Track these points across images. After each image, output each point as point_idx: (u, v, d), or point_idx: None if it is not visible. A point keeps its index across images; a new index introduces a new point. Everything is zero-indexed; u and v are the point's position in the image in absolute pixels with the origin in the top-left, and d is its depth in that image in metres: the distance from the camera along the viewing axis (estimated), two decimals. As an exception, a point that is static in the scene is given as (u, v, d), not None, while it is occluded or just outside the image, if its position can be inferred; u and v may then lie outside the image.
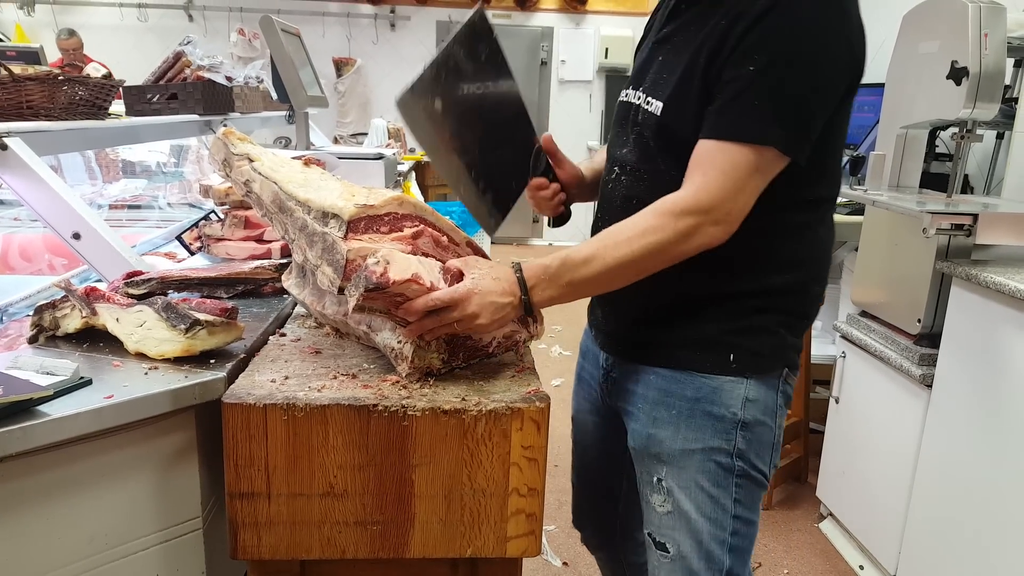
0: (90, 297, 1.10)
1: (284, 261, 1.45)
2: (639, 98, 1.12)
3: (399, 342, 1.02)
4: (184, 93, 2.22)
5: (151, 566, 1.00)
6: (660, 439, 1.13)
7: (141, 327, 1.05)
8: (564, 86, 7.48)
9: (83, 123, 1.67)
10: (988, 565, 1.76)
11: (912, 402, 2.05)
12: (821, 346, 3.01)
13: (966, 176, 2.64)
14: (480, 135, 1.12)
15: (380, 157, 2.45)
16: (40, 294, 1.52)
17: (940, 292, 1.99)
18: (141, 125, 2.01)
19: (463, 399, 0.96)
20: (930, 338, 2.03)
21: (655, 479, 1.15)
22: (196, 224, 1.83)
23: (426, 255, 1.06)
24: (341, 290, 0.98)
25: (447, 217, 1.11)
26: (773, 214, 1.05)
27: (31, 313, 1.13)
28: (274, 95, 2.93)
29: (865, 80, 1.07)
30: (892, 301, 2.19)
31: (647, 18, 1.30)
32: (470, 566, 1.05)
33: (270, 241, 1.61)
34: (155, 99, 2.20)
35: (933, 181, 2.51)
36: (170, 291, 1.25)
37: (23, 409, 0.85)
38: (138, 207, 2.60)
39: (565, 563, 2.31)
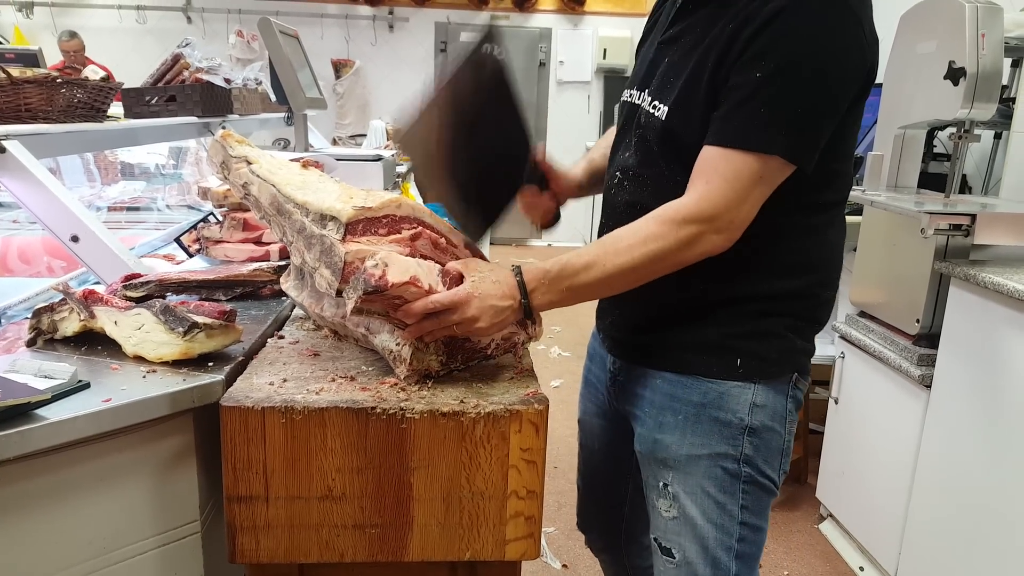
0: (88, 300, 1.10)
1: (282, 263, 1.45)
2: (643, 100, 1.11)
3: (397, 344, 1.02)
4: (183, 95, 2.22)
5: (149, 570, 1.00)
6: (666, 444, 1.13)
7: (139, 330, 1.05)
8: (562, 87, 7.49)
9: (81, 125, 1.67)
10: (988, 565, 1.76)
11: (911, 402, 2.05)
12: (820, 346, 2.99)
13: (964, 176, 2.64)
14: (476, 150, 1.10)
15: (379, 159, 2.45)
16: (38, 297, 1.52)
17: (939, 292, 1.99)
18: (140, 127, 2.01)
19: (461, 401, 0.96)
20: (929, 338, 2.03)
21: (661, 484, 1.15)
22: (195, 226, 1.83)
23: (424, 257, 1.05)
24: (339, 292, 0.98)
25: (445, 219, 1.11)
26: (782, 217, 1.04)
27: (29, 316, 1.13)
28: (273, 97, 2.93)
29: (865, 81, 1.06)
30: (891, 301, 2.19)
31: (645, 19, 1.29)
32: (469, 569, 1.05)
33: (268, 243, 1.61)
34: (154, 101, 2.20)
35: (931, 181, 2.52)
36: (168, 294, 1.25)
37: (21, 413, 0.85)
38: (137, 209, 2.60)
39: (565, 565, 2.31)
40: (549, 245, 7.59)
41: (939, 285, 1.98)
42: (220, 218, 1.68)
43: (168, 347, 1.02)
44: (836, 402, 2.45)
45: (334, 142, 5.67)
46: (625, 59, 7.15)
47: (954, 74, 1.98)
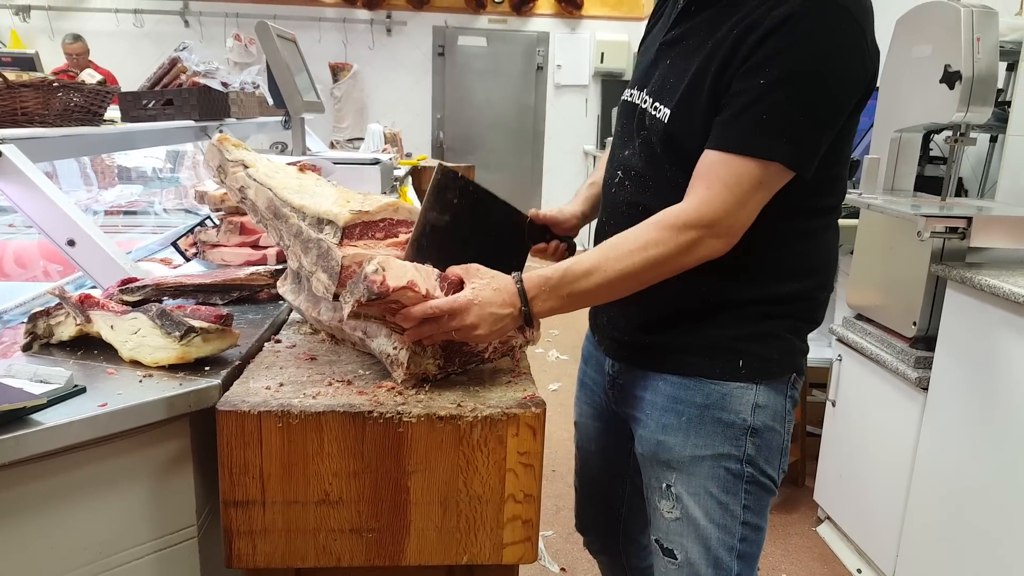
0: (84, 304, 1.10)
1: (279, 267, 1.45)
2: (645, 101, 1.11)
3: (395, 348, 1.01)
4: (180, 99, 2.22)
5: (146, 575, 0.99)
6: (669, 446, 1.13)
7: (136, 334, 1.05)
8: (560, 91, 7.49)
9: (78, 129, 1.67)
10: (986, 567, 1.76)
11: (908, 405, 2.05)
12: (817, 349, 3.01)
13: (960, 179, 2.65)
14: (473, 249, 1.13)
15: (376, 162, 2.45)
16: (35, 301, 1.52)
17: (935, 295, 1.99)
18: (136, 131, 2.01)
19: (459, 405, 0.96)
20: (925, 341, 2.03)
21: (664, 485, 1.15)
22: (192, 230, 1.83)
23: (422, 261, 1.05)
24: (336, 296, 0.98)
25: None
26: (783, 222, 1.05)
27: (25, 320, 1.12)
28: (270, 100, 2.94)
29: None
30: (887, 304, 2.20)
31: (642, 23, 1.30)
32: (466, 573, 1.05)
33: (266, 247, 1.61)
34: (151, 105, 2.20)
35: (927, 184, 2.52)
36: (165, 298, 1.25)
37: (16, 418, 0.84)
38: (134, 213, 2.60)
39: (563, 569, 2.31)
40: (547, 248, 7.60)
41: (935, 288, 1.99)
42: (217, 222, 1.68)
43: (164, 351, 1.02)
44: (833, 404, 2.45)
45: (332, 146, 5.66)
46: (623, 63, 7.16)
47: (950, 78, 1.99)
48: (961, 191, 2.69)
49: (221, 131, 2.37)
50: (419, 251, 1.06)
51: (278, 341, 1.18)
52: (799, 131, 0.97)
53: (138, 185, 2.88)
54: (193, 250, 1.75)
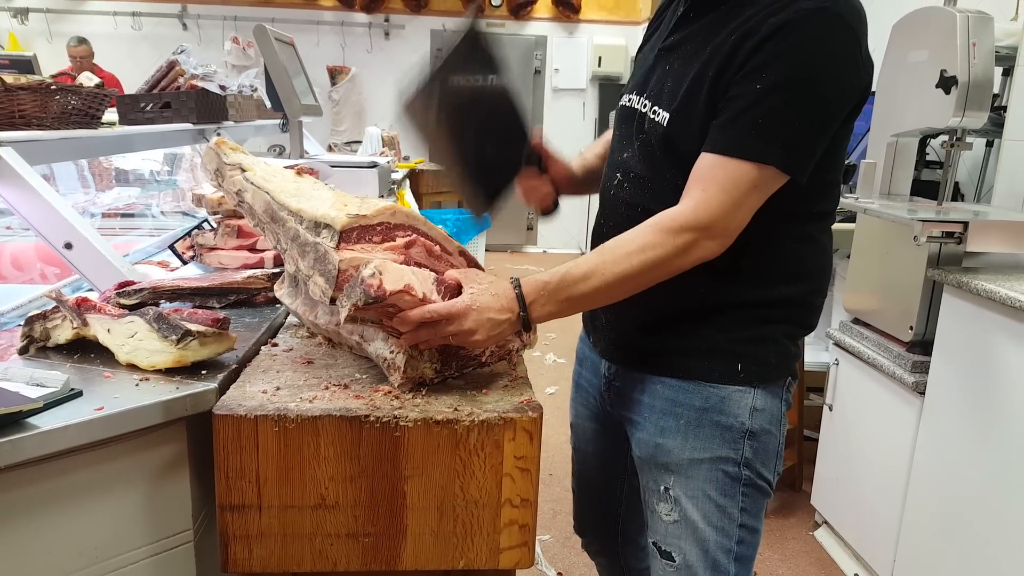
0: (81, 308, 1.10)
1: (277, 270, 1.45)
2: (645, 105, 1.12)
3: (391, 352, 1.01)
4: (178, 102, 2.22)
5: (142, 579, 0.99)
6: (668, 448, 1.14)
7: (132, 338, 1.05)
8: (558, 94, 7.51)
9: (76, 132, 1.67)
10: (983, 571, 1.76)
11: (905, 409, 2.06)
12: (814, 353, 3.02)
13: (956, 184, 2.65)
14: (476, 132, 1.16)
15: (374, 165, 2.45)
16: (31, 304, 1.51)
17: (932, 299, 2.00)
18: (134, 134, 2.01)
19: (455, 409, 0.96)
20: (922, 345, 2.04)
21: (662, 488, 1.16)
22: (189, 233, 1.82)
23: (419, 265, 1.05)
24: (333, 300, 0.98)
25: (440, 226, 1.11)
26: (780, 226, 1.07)
27: (22, 323, 1.12)
28: (268, 103, 2.94)
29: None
30: (884, 308, 2.20)
31: (640, 27, 1.31)
32: (463, 577, 1.05)
33: (263, 250, 1.61)
34: (148, 108, 2.19)
35: (924, 189, 2.53)
36: (162, 301, 1.25)
37: (12, 421, 0.84)
38: (131, 216, 2.59)
39: (560, 573, 2.31)
40: (544, 252, 7.61)
41: (932, 292, 1.99)
42: (214, 225, 1.68)
43: (161, 355, 1.02)
44: (830, 409, 2.46)
45: (330, 149, 5.67)
46: (620, 67, 7.18)
47: (946, 83, 2.00)
48: (957, 196, 2.69)
49: (219, 134, 2.37)
50: (425, 100, 1.07)
51: (275, 345, 1.18)
52: (794, 135, 0.98)
53: (135, 188, 2.88)
54: (190, 253, 1.75)
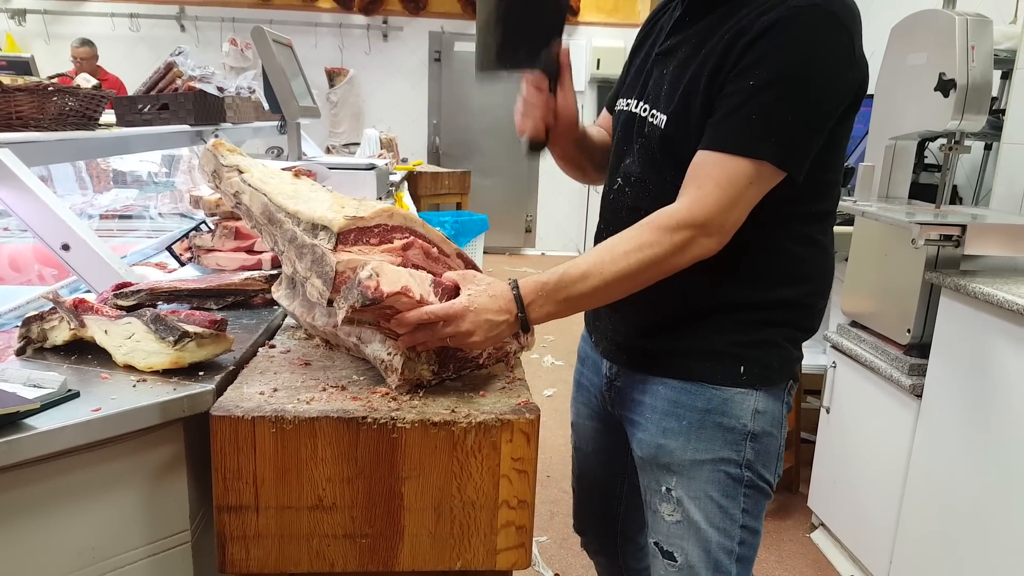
0: (78, 309, 1.10)
1: (274, 272, 1.45)
2: (644, 110, 1.13)
3: (389, 354, 1.01)
4: (175, 103, 2.22)
5: (138, 580, 0.99)
6: (670, 449, 1.14)
7: (130, 339, 1.05)
8: (556, 96, 7.51)
9: (73, 133, 1.67)
10: (979, 574, 1.77)
11: (902, 412, 2.06)
12: (812, 356, 3.01)
13: (955, 187, 2.66)
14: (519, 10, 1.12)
15: (372, 167, 2.45)
16: (29, 305, 1.51)
17: (929, 302, 2.00)
18: (132, 135, 2.01)
19: (453, 411, 0.96)
20: (920, 348, 2.04)
21: (664, 489, 1.16)
22: (187, 235, 1.82)
23: (416, 267, 1.06)
24: (330, 302, 0.98)
25: (438, 228, 1.12)
26: (780, 228, 1.07)
27: (19, 324, 1.12)
28: (266, 105, 2.93)
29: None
30: (882, 311, 2.20)
31: (638, 29, 1.30)
32: (460, 579, 1.05)
33: (260, 252, 1.61)
34: (146, 109, 2.19)
35: (922, 192, 2.53)
36: (159, 302, 1.25)
37: (10, 422, 0.84)
38: (129, 217, 2.59)
39: (557, 574, 2.30)
40: (543, 254, 7.61)
41: (930, 295, 1.99)
42: (212, 227, 1.68)
43: (158, 356, 1.02)
44: (828, 411, 2.46)
45: (328, 150, 5.67)
46: (619, 69, 7.05)
47: (944, 86, 2.00)
48: (956, 199, 2.70)
49: (216, 136, 2.37)
50: None
51: (272, 346, 1.18)
52: (789, 131, 0.98)
53: (133, 189, 2.87)
54: (188, 255, 1.75)
